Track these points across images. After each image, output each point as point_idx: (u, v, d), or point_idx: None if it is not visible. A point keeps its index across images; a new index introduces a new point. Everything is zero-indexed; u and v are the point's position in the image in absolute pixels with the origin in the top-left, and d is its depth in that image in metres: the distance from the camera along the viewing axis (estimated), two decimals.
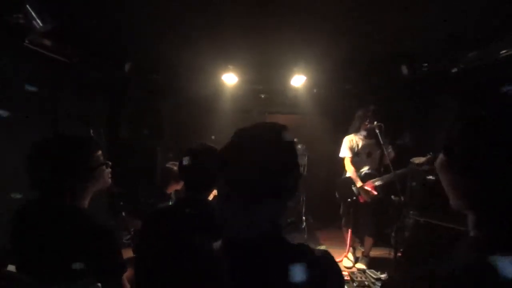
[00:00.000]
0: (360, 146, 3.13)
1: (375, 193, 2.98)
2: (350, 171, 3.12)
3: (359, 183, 3.04)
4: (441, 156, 0.55)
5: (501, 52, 2.57)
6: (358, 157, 3.15)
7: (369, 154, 3.10)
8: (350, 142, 3.17)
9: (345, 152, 3.17)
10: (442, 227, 2.84)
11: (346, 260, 3.32)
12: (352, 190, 3.09)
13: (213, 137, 4.07)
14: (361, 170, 3.14)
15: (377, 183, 3.02)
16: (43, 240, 0.96)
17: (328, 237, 4.09)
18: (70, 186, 1.05)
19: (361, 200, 3.05)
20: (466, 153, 0.49)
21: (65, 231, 0.97)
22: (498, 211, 0.48)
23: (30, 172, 1.02)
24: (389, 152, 3.01)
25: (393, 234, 2.89)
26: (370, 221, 3.13)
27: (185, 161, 1.29)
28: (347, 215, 3.27)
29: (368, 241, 3.19)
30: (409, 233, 3.09)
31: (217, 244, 0.70)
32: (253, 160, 0.64)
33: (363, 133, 3.10)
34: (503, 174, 0.45)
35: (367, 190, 3.01)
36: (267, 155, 0.64)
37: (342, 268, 3.18)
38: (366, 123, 3.01)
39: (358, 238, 3.42)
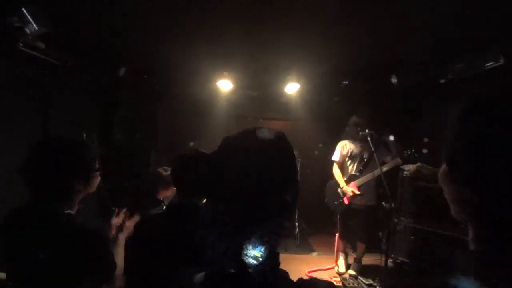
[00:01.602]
0: (353, 152, 3.20)
1: (358, 192, 3.05)
2: (335, 174, 3.23)
3: (342, 184, 3.13)
4: (443, 167, 0.53)
5: (486, 65, 2.68)
6: (351, 161, 3.22)
7: (361, 160, 3.17)
8: (342, 148, 3.25)
9: (335, 157, 3.27)
10: (432, 233, 2.90)
11: (340, 266, 3.35)
12: (338, 192, 3.18)
13: (191, 143, 4.08)
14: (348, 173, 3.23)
15: (358, 183, 3.09)
16: (33, 246, 0.95)
17: (320, 243, 4.11)
18: (63, 191, 1.04)
19: (346, 202, 3.12)
20: (469, 165, 0.47)
21: (55, 237, 0.95)
22: (500, 225, 0.46)
23: (24, 174, 1.00)
24: (397, 160, 3.04)
25: (383, 240, 2.92)
26: (361, 227, 3.18)
27: (176, 166, 1.31)
28: (337, 220, 3.32)
29: (360, 247, 3.23)
30: (400, 239, 3.14)
31: (200, 277, 0.59)
32: (244, 172, 0.55)
33: (356, 139, 3.17)
34: (507, 187, 0.44)
35: (350, 190, 3.08)
36: (261, 167, 0.56)
37: (334, 274, 3.20)
38: (359, 130, 3.08)
39: (350, 244, 3.46)
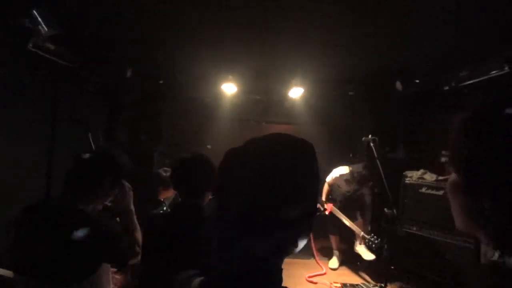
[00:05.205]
0: (340, 186, 3.45)
1: (327, 213, 3.38)
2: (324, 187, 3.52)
3: (323, 197, 3.47)
4: (453, 177, 0.50)
5: (491, 72, 2.68)
6: (336, 191, 3.51)
7: (343, 195, 3.46)
8: (334, 177, 3.47)
9: (327, 177, 3.53)
10: (434, 240, 2.88)
11: (332, 262, 3.51)
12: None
13: (208, 146, 4.11)
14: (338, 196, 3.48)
15: (334, 211, 3.36)
16: (48, 241, 0.98)
17: (321, 248, 4.08)
18: (95, 191, 1.12)
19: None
20: (487, 174, 0.44)
21: (72, 234, 0.99)
22: None
23: (72, 174, 1.11)
24: (360, 172, 3.23)
25: (385, 246, 2.91)
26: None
27: (175, 169, 1.34)
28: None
29: (359, 222, 3.37)
30: (402, 246, 3.12)
31: (197, 282, 0.56)
32: (262, 175, 0.50)
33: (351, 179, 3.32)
34: None
35: (323, 208, 3.39)
36: (283, 173, 0.51)
37: (334, 280, 3.18)
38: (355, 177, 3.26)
39: (340, 235, 3.58)
